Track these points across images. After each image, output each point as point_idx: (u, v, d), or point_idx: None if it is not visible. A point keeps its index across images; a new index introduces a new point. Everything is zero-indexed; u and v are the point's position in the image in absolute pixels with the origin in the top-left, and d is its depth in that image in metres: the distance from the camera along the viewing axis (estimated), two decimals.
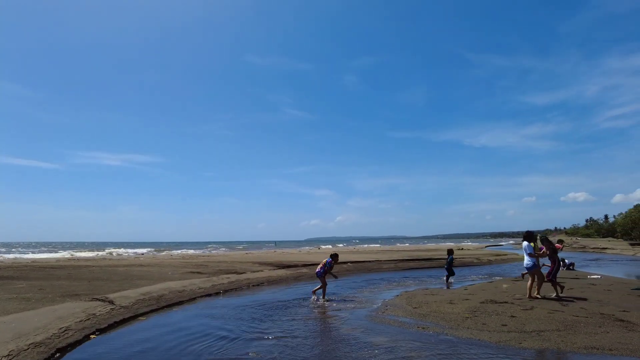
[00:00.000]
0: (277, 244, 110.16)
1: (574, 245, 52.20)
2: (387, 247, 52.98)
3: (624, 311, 8.68)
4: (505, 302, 10.05)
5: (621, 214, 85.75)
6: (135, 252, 39.34)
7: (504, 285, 13.73)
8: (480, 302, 10.11)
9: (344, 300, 11.67)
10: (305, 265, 20.02)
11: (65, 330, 7.01)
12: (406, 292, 13.01)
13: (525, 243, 10.83)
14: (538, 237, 11.69)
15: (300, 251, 38.29)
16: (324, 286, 11.82)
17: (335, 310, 10.10)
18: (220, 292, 13.15)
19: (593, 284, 13.84)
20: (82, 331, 7.22)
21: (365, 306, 10.46)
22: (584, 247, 48.64)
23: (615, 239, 63.44)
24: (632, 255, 34.95)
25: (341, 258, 24.53)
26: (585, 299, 10.41)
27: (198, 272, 15.74)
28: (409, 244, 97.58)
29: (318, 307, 10.52)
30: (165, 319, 9.07)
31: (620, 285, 13.75)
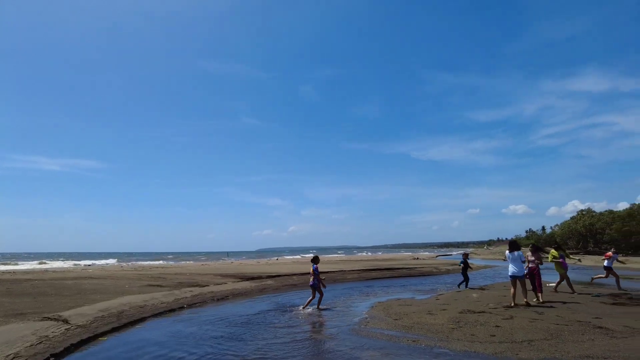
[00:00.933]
0: (229, 254, 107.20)
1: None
2: (346, 257, 53.02)
3: (597, 318, 8.93)
4: (483, 312, 10.08)
5: (557, 225, 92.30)
6: (79, 264, 36.35)
7: (474, 295, 13.91)
8: (459, 312, 10.07)
9: (321, 312, 11.23)
10: (269, 277, 19.32)
11: (14, 358, 6.05)
12: (379, 302, 12.80)
13: (516, 252, 11.19)
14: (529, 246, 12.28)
15: (259, 262, 37.25)
16: (320, 296, 11.64)
17: (315, 323, 9.64)
18: (184, 307, 12.24)
19: (556, 292, 14.35)
20: (34, 357, 6.27)
21: (344, 319, 10.08)
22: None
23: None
24: (573, 263, 37.20)
25: (304, 268, 24.06)
26: (554, 307, 10.67)
27: (158, 285, 14.63)
28: (363, 253, 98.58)
29: (296, 320, 10.00)
30: (129, 338, 8.17)
31: (581, 289, 14.35)
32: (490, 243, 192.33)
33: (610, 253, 15.73)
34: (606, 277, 15.83)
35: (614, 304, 11.15)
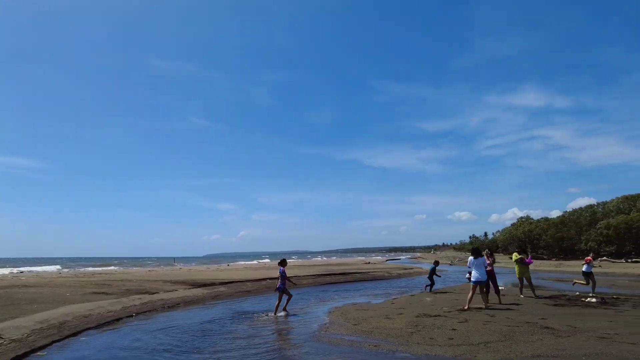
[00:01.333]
0: (176, 260, 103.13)
1: (466, 260, 57.57)
2: (300, 262, 52.67)
3: (543, 319, 9.46)
4: (439, 316, 10.35)
5: (498, 231, 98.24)
6: (13, 271, 33.34)
7: (428, 299, 14.28)
8: (416, 316, 10.27)
9: (279, 319, 11.03)
10: (222, 284, 18.75)
11: None
12: (336, 307, 12.80)
13: (480, 259, 11.59)
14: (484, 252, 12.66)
15: (209, 268, 36.13)
16: (288, 298, 11.66)
17: (275, 331, 9.44)
18: (133, 315, 11.57)
19: (503, 295, 15.07)
20: None
21: (304, 325, 9.96)
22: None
23: (496, 254, 71.75)
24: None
25: (258, 274, 23.66)
26: (504, 310, 11.18)
27: (103, 293, 13.71)
28: (318, 257, 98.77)
29: (254, 327, 9.73)
30: (71, 353, 7.55)
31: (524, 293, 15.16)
32: (436, 248, 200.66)
33: (590, 257, 15.17)
34: (587, 283, 14.52)
35: (555, 305, 11.89)
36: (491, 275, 12.71)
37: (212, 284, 18.23)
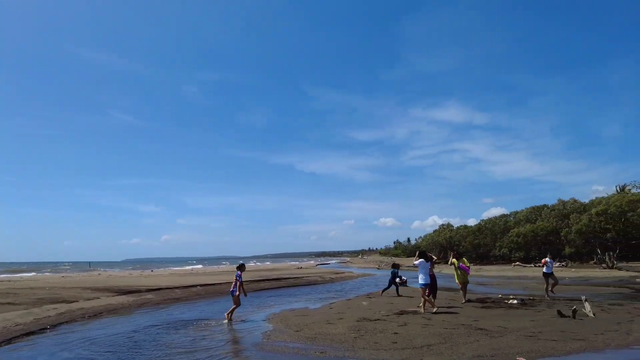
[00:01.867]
0: (91, 264, 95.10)
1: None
2: (233, 268, 50.66)
3: (476, 320, 10.00)
4: (379, 320, 10.51)
5: (420, 237, 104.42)
6: None
7: (364, 303, 14.51)
8: (357, 321, 10.33)
9: (218, 327, 10.47)
10: (149, 291, 17.52)
11: None
12: (275, 314, 12.52)
13: (427, 262, 11.76)
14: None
15: (131, 274, 33.65)
16: (236, 305, 11.25)
17: (215, 340, 8.91)
18: (47, 328, 10.31)
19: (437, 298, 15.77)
20: None
21: (245, 333, 9.55)
22: (400, 265, 56.23)
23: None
24: (438, 272, 41.91)
25: (188, 281, 22.52)
26: (439, 313, 11.61)
27: (8, 303, 12.07)
28: (251, 263, 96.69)
29: (190, 337, 9.11)
30: None
31: (453, 296, 16.00)
32: (363, 253, 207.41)
33: (546, 259, 15.51)
34: (555, 283, 15.11)
35: (483, 307, 12.67)
36: (433, 279, 13.06)
37: (138, 291, 16.95)
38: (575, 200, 63.34)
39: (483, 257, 69.40)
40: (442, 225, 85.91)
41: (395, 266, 18.92)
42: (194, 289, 19.31)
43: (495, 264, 59.24)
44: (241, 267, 11.64)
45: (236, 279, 11.23)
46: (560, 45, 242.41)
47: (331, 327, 9.57)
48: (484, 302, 14.10)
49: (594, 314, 10.46)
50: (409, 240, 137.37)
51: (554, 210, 63.92)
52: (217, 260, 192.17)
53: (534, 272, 34.94)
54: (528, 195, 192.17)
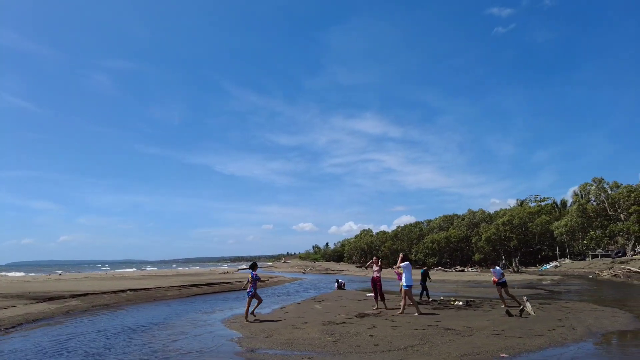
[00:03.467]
0: None
1: (318, 268, 60.57)
2: (156, 272, 46.89)
3: (438, 321, 10.34)
4: (344, 323, 10.39)
5: (339, 242, 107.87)
6: None
7: (317, 306, 14.31)
8: (323, 325, 10.09)
9: (177, 335, 9.50)
10: (73, 296, 15.52)
11: None
12: (227, 319, 11.82)
13: (408, 263, 12.09)
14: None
15: (36, 278, 29.61)
16: (259, 301, 11.47)
17: (184, 352, 8.03)
18: None
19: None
20: None
21: (211, 342, 8.77)
22: (327, 269, 57.15)
23: (344, 263, 77.83)
24: (364, 275, 43.23)
25: (114, 285, 20.42)
26: (395, 315, 11.79)
27: None
28: (152, 268, 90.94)
29: (155, 347, 8.13)
30: None
31: (395, 299, 16.41)
32: (283, 257, 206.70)
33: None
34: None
35: (434, 309, 13.18)
36: (378, 281, 13.32)
37: (61, 297, 14.91)
38: (483, 211, 69.82)
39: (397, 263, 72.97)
40: (363, 230, 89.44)
41: (427, 268, 18.38)
42: (123, 294, 17.50)
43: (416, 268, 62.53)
44: (254, 267, 11.98)
45: (252, 278, 11.39)
46: (464, 70, 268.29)
47: (301, 332, 9.22)
48: (429, 303, 14.67)
49: (534, 313, 11.41)
50: (327, 245, 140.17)
51: (464, 219, 69.79)
52: (122, 264, 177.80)
53: (456, 275, 37.62)
54: (434, 205, 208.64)
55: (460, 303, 14.12)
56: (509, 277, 32.81)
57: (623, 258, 35.21)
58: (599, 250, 42.27)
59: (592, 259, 40.67)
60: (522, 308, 11.08)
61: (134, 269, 73.28)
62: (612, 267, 33.55)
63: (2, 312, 11.80)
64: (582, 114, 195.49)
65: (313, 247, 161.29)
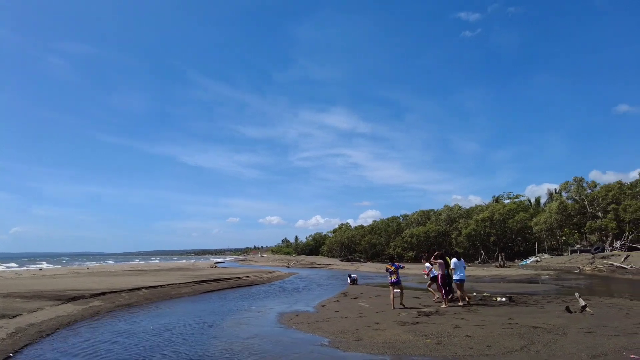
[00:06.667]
0: None
1: (303, 262, 60.16)
2: (141, 266, 44.11)
3: (510, 319, 10.25)
4: (418, 323, 10.12)
5: (311, 235, 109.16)
6: None
7: (362, 304, 13.93)
8: (400, 325, 9.81)
9: (253, 339, 8.90)
10: (94, 296, 14.41)
11: None
12: (285, 319, 11.31)
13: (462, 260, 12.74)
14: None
15: (20, 275, 27.45)
16: (402, 291, 12.85)
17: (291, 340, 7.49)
18: (10, 357, 7.61)
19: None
20: None
21: (303, 349, 8.27)
22: (312, 263, 56.86)
23: (325, 257, 77.89)
24: (355, 269, 43.32)
25: (124, 283, 19.22)
26: (468, 311, 11.67)
27: None
28: (113, 261, 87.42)
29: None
30: None
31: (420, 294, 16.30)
32: (247, 250, 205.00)
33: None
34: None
35: (485, 305, 13.12)
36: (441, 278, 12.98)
37: (82, 297, 13.79)
38: (460, 207, 71.71)
39: (376, 256, 73.73)
40: (342, 225, 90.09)
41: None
42: (140, 293, 16.46)
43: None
44: (393, 259, 13.35)
45: (395, 268, 12.58)
46: (432, 70, 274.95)
47: (389, 333, 8.93)
48: (472, 300, 14.62)
49: (590, 310, 11.55)
50: (296, 238, 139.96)
51: (441, 215, 71.37)
52: (80, 257, 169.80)
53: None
54: (399, 200, 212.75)
55: (503, 299, 14.16)
56: (502, 271, 33.78)
57: (604, 253, 36.97)
58: (578, 246, 44.32)
59: (571, 254, 42.54)
60: (585, 305, 11.19)
61: (94, 262, 70.02)
62: (593, 262, 35.16)
63: (34, 315, 10.71)
64: (541, 116, 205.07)
65: (282, 240, 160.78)
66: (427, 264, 13.87)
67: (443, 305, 12.42)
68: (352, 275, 23.50)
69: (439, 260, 12.84)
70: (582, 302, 11.66)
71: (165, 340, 9.00)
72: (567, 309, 11.23)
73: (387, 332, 8.98)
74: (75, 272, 27.59)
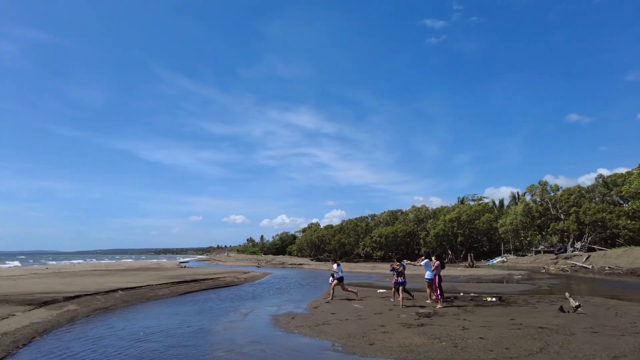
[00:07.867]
0: None
1: (274, 262, 59.33)
2: (105, 266, 41.34)
3: (512, 319, 10.28)
4: (423, 324, 9.94)
5: (277, 234, 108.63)
6: None
7: (355, 305, 13.64)
8: (406, 327, 9.58)
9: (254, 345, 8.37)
10: (68, 299, 13.31)
11: None
12: (280, 322, 10.84)
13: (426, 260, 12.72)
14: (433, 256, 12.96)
15: None
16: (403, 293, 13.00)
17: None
18: None
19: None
20: None
21: (319, 356, 7.84)
22: (283, 263, 56.14)
23: (297, 257, 77.39)
24: (328, 270, 42.99)
25: (99, 284, 18.00)
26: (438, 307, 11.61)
27: None
28: (68, 261, 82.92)
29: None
30: None
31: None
32: (210, 250, 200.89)
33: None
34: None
35: (477, 305, 13.16)
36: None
37: (55, 301, 12.67)
38: (427, 208, 73.15)
39: (345, 255, 73.91)
40: (311, 224, 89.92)
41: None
42: (116, 295, 15.39)
43: (357, 262, 63.05)
44: (400, 259, 13.80)
45: (403, 270, 13.15)
46: (396, 74, 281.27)
47: (398, 336, 8.66)
48: (462, 300, 14.69)
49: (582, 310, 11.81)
50: (262, 237, 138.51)
51: (408, 215, 72.59)
52: (32, 255, 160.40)
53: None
54: (363, 200, 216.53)
55: (494, 299, 14.29)
56: (473, 271, 34.57)
57: (566, 254, 38.72)
58: (542, 247, 46.22)
59: (535, 254, 44.33)
60: (579, 305, 11.40)
61: (53, 261, 66.05)
62: (557, 262, 36.76)
63: (5, 322, 9.66)
64: (499, 121, 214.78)
65: (248, 239, 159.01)
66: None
67: (439, 306, 12.40)
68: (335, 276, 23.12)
69: (437, 262, 12.89)
70: (573, 302, 11.88)
71: (160, 348, 8.33)
72: (561, 309, 11.41)
73: (396, 335, 8.71)
74: (34, 272, 25.64)
